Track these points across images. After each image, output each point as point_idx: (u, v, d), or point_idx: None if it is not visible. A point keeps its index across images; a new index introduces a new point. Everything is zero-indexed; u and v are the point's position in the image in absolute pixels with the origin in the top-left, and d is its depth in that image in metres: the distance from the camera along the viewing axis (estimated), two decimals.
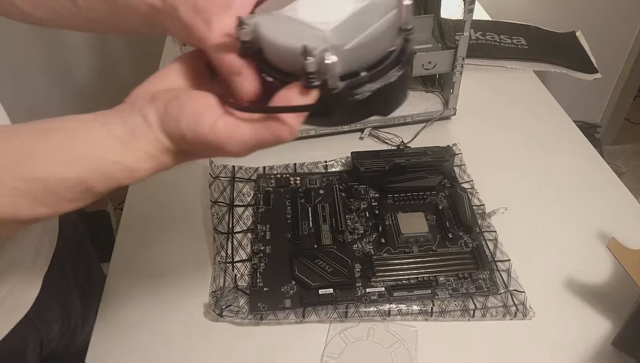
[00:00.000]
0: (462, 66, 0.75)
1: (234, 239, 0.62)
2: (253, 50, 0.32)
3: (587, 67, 0.98)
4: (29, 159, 0.30)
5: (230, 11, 0.33)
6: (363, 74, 0.31)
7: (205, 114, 0.31)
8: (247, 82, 0.33)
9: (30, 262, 0.51)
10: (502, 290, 0.56)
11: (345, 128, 0.78)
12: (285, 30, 0.31)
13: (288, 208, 0.65)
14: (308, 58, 0.28)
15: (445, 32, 0.77)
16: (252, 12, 0.34)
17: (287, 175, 0.69)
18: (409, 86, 0.32)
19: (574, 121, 0.82)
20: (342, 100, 0.30)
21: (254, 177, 0.70)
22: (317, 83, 0.29)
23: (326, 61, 0.28)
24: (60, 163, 0.31)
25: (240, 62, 0.32)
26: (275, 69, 0.32)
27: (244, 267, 0.59)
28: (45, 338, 0.53)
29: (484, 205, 0.65)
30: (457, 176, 0.69)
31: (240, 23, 0.31)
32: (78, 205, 0.33)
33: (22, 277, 0.50)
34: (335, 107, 0.31)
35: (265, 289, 0.56)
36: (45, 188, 0.30)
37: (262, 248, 0.60)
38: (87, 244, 0.69)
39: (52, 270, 0.55)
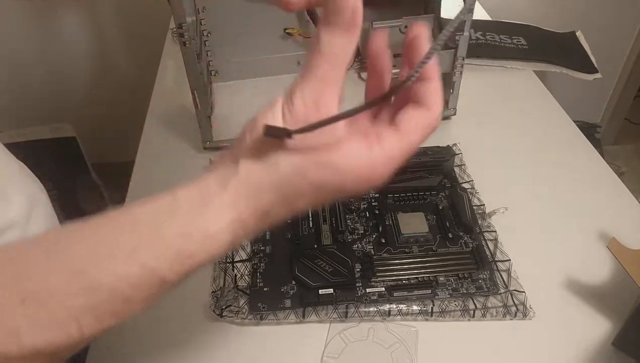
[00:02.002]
0: (462, 66, 0.75)
1: None
2: None
3: (587, 67, 0.98)
4: (82, 265, 0.25)
5: None
6: None
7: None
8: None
9: None
10: (502, 290, 0.56)
11: None
12: None
13: None
14: None
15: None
16: None
17: None
18: None
19: (574, 121, 0.82)
20: None
21: None
22: None
23: None
24: (116, 258, 0.26)
25: None
26: None
27: (244, 267, 0.59)
28: None
29: (484, 205, 0.65)
30: (457, 176, 0.69)
31: None
32: (152, 302, 0.28)
33: None
34: None
35: (265, 289, 0.56)
36: (109, 295, 0.25)
37: (262, 248, 0.60)
38: None
39: None
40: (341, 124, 0.28)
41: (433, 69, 0.31)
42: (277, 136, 0.27)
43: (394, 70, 0.34)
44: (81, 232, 0.28)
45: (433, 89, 0.31)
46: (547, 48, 1.00)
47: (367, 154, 0.29)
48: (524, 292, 0.56)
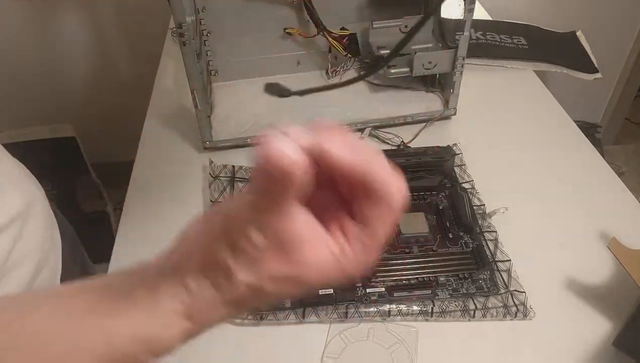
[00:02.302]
0: (462, 66, 0.74)
1: None
2: None
3: (588, 66, 0.98)
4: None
5: None
6: None
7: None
8: None
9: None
10: (502, 291, 0.56)
11: (345, 128, 0.78)
12: None
13: None
14: None
15: (446, 32, 0.77)
16: None
17: None
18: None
19: (575, 121, 0.81)
20: None
21: None
22: None
23: None
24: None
25: None
26: None
27: None
28: None
29: (484, 205, 0.65)
30: (458, 176, 0.69)
31: None
32: None
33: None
34: None
35: None
36: None
37: None
38: (80, 248, 0.69)
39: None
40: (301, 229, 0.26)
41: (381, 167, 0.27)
42: None
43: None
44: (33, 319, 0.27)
45: (387, 177, 0.28)
46: (547, 48, 1.00)
47: (333, 260, 0.27)
48: (524, 292, 0.55)
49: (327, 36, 0.78)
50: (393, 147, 0.75)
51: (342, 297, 0.55)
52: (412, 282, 0.56)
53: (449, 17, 0.78)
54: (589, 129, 1.62)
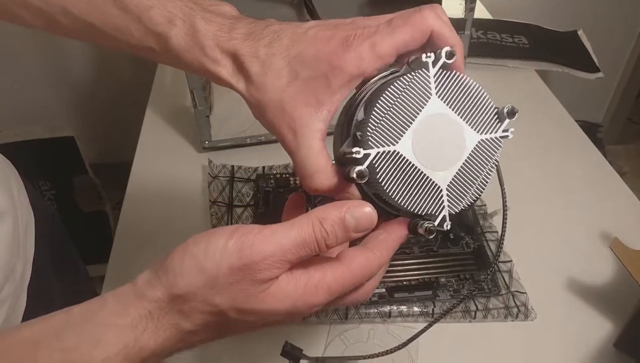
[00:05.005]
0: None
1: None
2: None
3: (589, 66, 0.97)
4: None
5: (318, 115, 0.31)
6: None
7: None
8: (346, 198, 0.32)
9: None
10: (503, 291, 0.56)
11: None
12: (402, 182, 0.31)
13: None
14: (424, 223, 0.31)
15: None
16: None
17: (287, 176, 0.69)
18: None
19: (576, 120, 0.81)
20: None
21: (253, 177, 0.69)
22: (430, 236, 0.32)
23: (444, 228, 0.32)
24: None
25: (338, 186, 0.31)
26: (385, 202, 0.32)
27: None
28: None
29: (485, 205, 0.65)
30: None
31: (354, 167, 0.29)
32: None
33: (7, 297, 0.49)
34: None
35: None
36: None
37: None
38: (70, 246, 0.68)
39: (36, 278, 0.54)
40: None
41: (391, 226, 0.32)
42: None
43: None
44: None
45: (382, 238, 0.32)
46: (548, 47, 1.00)
47: (302, 285, 0.29)
48: (525, 292, 0.55)
49: None
50: None
51: None
52: (413, 283, 0.56)
53: (450, 16, 0.78)
54: (590, 129, 1.61)
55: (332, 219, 0.28)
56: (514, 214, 0.64)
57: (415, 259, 0.58)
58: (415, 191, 0.31)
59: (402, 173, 0.30)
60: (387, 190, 0.30)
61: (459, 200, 0.32)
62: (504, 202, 0.40)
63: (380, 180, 0.30)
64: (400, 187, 0.30)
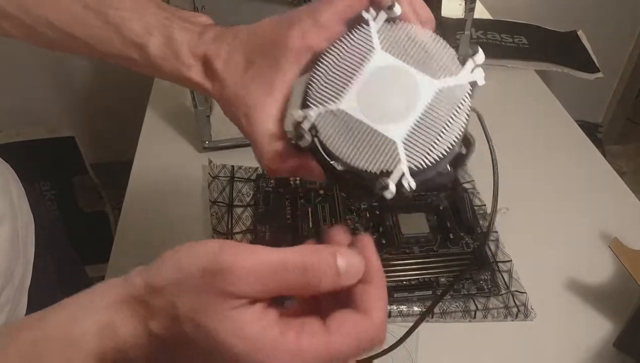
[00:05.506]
0: None
1: (233, 240, 0.62)
2: (313, 150, 0.29)
3: (589, 66, 0.97)
4: None
5: (270, 97, 0.31)
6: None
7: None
8: (309, 176, 0.31)
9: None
10: (503, 291, 0.56)
11: None
12: (350, 141, 0.28)
13: (288, 208, 0.65)
14: (381, 182, 0.27)
15: (446, 31, 0.77)
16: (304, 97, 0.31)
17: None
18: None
19: (576, 121, 0.81)
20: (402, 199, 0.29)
21: (253, 177, 0.69)
22: (389, 196, 0.28)
23: (406, 188, 0.27)
24: None
25: (295, 161, 0.31)
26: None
27: None
28: None
29: (485, 205, 0.65)
30: (458, 176, 0.69)
31: (297, 130, 0.28)
32: None
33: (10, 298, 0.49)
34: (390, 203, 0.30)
35: None
36: None
37: None
38: (70, 250, 0.68)
39: (37, 283, 0.54)
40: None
41: (377, 271, 0.27)
42: None
43: None
44: None
45: (373, 294, 0.26)
46: (548, 47, 1.00)
47: (272, 334, 0.24)
48: (525, 292, 0.55)
49: None
50: None
51: None
52: (413, 282, 0.56)
53: (450, 16, 0.78)
54: (590, 129, 1.62)
55: (325, 253, 0.25)
56: (513, 214, 0.64)
57: (415, 259, 0.58)
58: (366, 148, 0.28)
59: (350, 131, 0.29)
60: (336, 151, 0.28)
61: (423, 154, 0.28)
62: (494, 163, 0.35)
63: (325, 141, 0.28)
64: (349, 145, 0.28)
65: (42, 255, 0.56)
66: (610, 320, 0.54)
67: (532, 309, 0.54)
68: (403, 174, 0.27)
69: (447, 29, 0.77)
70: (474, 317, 0.54)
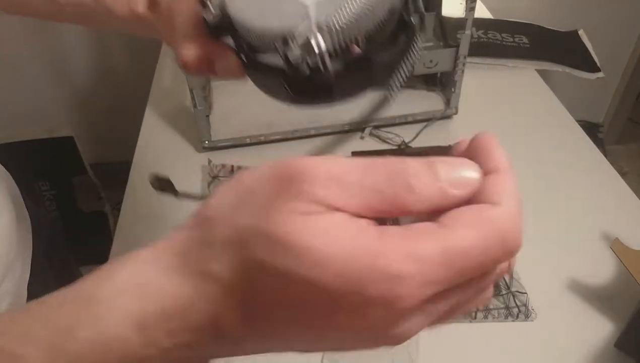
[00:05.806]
0: (463, 65, 0.74)
1: None
2: (224, 28, 0.29)
3: (590, 66, 0.97)
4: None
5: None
6: (358, 45, 0.25)
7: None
8: (226, 68, 0.32)
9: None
10: (504, 292, 0.55)
11: (346, 127, 0.77)
12: (258, 9, 0.26)
13: None
14: (292, 46, 0.24)
15: (447, 31, 0.77)
16: None
17: None
18: (416, 57, 0.27)
19: (577, 120, 0.81)
20: (335, 79, 0.26)
21: None
22: (305, 70, 0.24)
23: (315, 49, 0.24)
24: None
25: (210, 47, 0.31)
26: (254, 48, 0.28)
27: None
28: None
29: None
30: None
31: (203, 5, 0.28)
32: None
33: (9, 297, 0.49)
34: (326, 87, 0.27)
35: None
36: None
37: None
38: (67, 253, 0.68)
39: (34, 282, 0.54)
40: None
41: (503, 162, 0.22)
42: None
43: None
44: None
45: (500, 183, 0.21)
46: (549, 47, 0.99)
47: (359, 230, 0.18)
48: (526, 293, 0.55)
49: None
50: (394, 147, 0.74)
51: None
52: None
53: (450, 16, 0.78)
54: (591, 129, 1.61)
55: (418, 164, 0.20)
56: None
57: None
58: (273, 13, 0.26)
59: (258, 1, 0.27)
60: (242, 21, 0.27)
61: (341, 10, 0.24)
62: None
63: (233, 14, 0.27)
64: (257, 13, 0.27)
65: (41, 255, 0.56)
66: (612, 320, 0.54)
67: (533, 310, 0.54)
68: (315, 35, 0.24)
69: (447, 28, 0.77)
70: (475, 318, 0.54)
